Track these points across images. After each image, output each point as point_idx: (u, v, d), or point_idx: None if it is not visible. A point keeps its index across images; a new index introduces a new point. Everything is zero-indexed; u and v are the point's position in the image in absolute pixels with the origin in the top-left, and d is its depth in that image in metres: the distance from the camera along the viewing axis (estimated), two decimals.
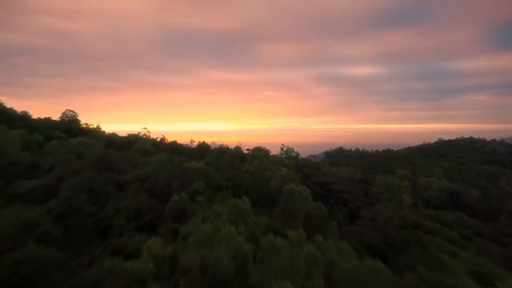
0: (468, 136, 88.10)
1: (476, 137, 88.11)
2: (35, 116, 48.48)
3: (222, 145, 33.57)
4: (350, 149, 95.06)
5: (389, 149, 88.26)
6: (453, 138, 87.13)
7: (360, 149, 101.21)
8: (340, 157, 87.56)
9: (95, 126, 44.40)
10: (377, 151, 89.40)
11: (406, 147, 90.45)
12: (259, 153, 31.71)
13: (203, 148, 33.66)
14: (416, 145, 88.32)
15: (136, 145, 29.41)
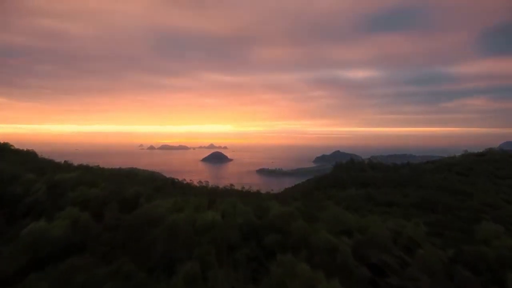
0: (496, 146, 77.35)
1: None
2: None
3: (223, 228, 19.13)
4: (364, 160, 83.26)
5: (408, 162, 76.69)
6: (482, 151, 76.30)
7: (373, 159, 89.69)
8: (352, 171, 75.76)
9: None
10: (395, 164, 77.80)
11: (427, 161, 79.03)
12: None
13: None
14: (441, 157, 76.91)
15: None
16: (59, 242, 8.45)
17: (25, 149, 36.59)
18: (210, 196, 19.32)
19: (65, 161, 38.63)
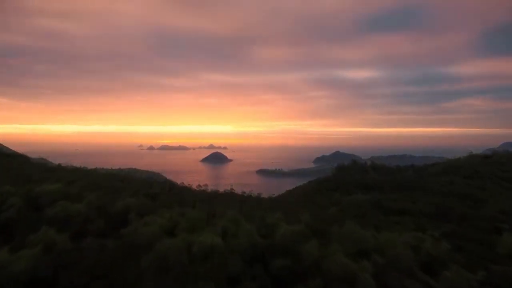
0: (496, 147, 76.16)
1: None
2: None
3: None
4: (366, 162, 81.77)
5: (413, 164, 75.16)
6: (486, 152, 74.94)
7: (373, 160, 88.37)
8: (355, 172, 74.20)
9: None
10: (398, 166, 76.31)
11: (432, 163, 77.51)
12: None
13: None
14: (441, 158, 75.57)
15: None
16: (24, 278, 6.97)
17: (16, 152, 35.15)
18: (209, 206, 17.86)
19: (59, 164, 37.22)
